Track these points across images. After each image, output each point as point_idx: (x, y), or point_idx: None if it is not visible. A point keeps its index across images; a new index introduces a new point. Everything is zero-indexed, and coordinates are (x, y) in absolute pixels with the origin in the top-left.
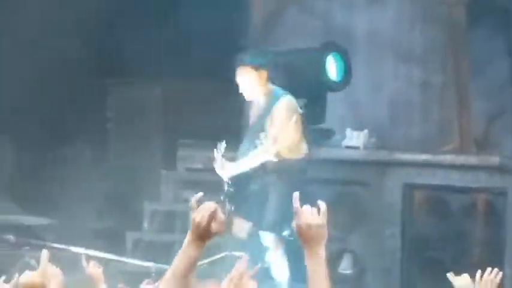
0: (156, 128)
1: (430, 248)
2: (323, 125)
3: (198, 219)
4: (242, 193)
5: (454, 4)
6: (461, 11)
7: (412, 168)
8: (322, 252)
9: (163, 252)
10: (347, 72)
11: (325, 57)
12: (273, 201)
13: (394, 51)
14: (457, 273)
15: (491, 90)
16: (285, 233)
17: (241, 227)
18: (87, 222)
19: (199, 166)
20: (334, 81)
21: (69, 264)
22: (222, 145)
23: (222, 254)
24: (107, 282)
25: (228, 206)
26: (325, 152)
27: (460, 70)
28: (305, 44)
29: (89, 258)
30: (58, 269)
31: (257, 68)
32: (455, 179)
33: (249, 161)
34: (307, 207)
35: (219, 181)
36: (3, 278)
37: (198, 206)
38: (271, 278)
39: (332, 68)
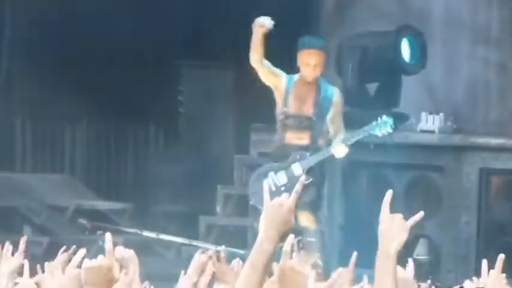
0: (229, 112)
1: (507, 234)
2: (398, 109)
3: (276, 214)
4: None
5: None
6: None
7: (488, 153)
8: (393, 252)
9: (236, 237)
10: (422, 55)
11: (400, 40)
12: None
13: (470, 33)
14: None
15: None
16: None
17: (308, 219)
18: (160, 206)
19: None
20: (409, 64)
21: (142, 249)
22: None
23: (296, 239)
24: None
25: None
26: (399, 136)
27: None
28: (380, 26)
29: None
30: (132, 252)
31: (325, 52)
32: None
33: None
34: (398, 215)
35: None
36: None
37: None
38: None
39: (407, 50)
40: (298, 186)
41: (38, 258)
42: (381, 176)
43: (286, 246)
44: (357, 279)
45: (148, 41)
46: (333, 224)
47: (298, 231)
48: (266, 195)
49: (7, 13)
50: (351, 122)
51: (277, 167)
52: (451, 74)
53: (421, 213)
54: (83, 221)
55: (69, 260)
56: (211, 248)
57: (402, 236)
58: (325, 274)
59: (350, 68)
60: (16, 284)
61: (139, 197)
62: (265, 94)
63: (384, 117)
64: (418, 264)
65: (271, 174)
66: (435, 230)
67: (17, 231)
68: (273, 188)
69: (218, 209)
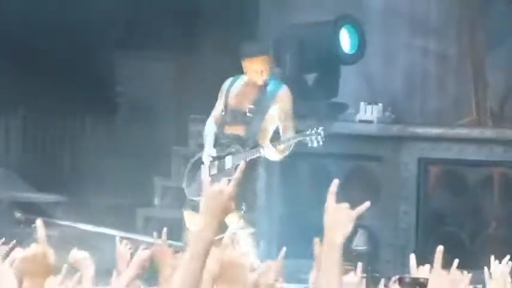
0: (167, 103)
1: (446, 223)
2: (336, 99)
3: (216, 201)
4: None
5: None
6: None
7: (427, 143)
8: (339, 242)
9: (175, 229)
10: (361, 45)
11: (339, 30)
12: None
13: (409, 23)
14: (473, 249)
15: (508, 62)
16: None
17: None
18: (97, 198)
19: None
20: (348, 54)
21: (78, 242)
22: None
23: (234, 231)
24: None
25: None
26: (338, 127)
27: (476, 42)
28: (319, 17)
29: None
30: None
31: (269, 54)
32: (471, 153)
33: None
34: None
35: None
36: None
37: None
38: None
39: (345, 41)
40: (237, 174)
41: None
42: (320, 166)
43: (226, 238)
44: (294, 271)
45: (86, 31)
46: (272, 215)
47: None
48: (206, 184)
49: None
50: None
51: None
52: (389, 64)
53: (367, 204)
54: (17, 214)
55: (8, 254)
56: (149, 241)
57: (348, 227)
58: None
59: (288, 59)
60: None
61: (76, 189)
62: (204, 85)
63: (320, 130)
64: (356, 255)
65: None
66: (374, 221)
67: None
68: (202, 177)
69: (156, 201)
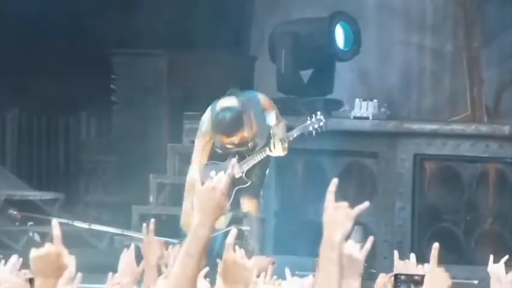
0: (161, 100)
1: (442, 219)
2: (331, 96)
3: (210, 198)
4: None
5: None
6: None
7: (422, 139)
8: (338, 241)
9: (170, 226)
10: (356, 41)
11: (334, 27)
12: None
13: (404, 19)
14: (469, 244)
15: (503, 58)
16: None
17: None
18: (92, 196)
19: None
20: (343, 51)
21: (74, 239)
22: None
23: (229, 228)
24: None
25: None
26: (333, 123)
27: (471, 38)
28: (314, 13)
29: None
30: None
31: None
32: (467, 149)
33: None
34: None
35: (226, 153)
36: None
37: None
38: None
39: (340, 37)
40: (230, 170)
41: None
42: (316, 162)
43: (229, 239)
44: (289, 267)
45: (80, 28)
46: (267, 211)
47: (239, 218)
48: (198, 182)
49: None
50: (285, 109)
51: (218, 166)
52: (384, 61)
53: (367, 203)
54: (13, 212)
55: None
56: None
57: (347, 225)
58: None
59: (283, 55)
60: None
61: (71, 186)
62: (198, 82)
63: (318, 115)
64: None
65: (213, 173)
66: (370, 217)
67: None
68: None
69: (151, 198)
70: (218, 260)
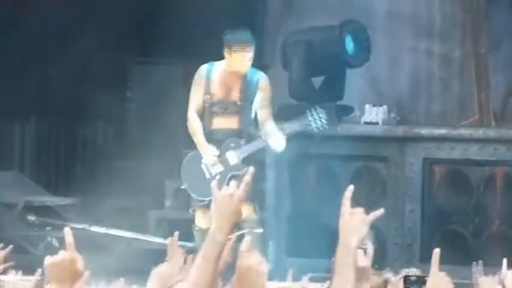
0: (177, 107)
1: (450, 222)
2: (342, 102)
3: (227, 205)
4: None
5: None
6: None
7: (431, 143)
8: (353, 246)
9: (186, 230)
10: (366, 48)
11: (344, 35)
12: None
13: (413, 27)
14: (477, 246)
15: (509, 64)
16: None
17: (248, 210)
18: (109, 201)
19: None
20: (353, 58)
21: (91, 244)
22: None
23: (243, 231)
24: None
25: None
26: (344, 129)
27: (479, 44)
28: (325, 21)
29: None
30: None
31: (254, 44)
32: (475, 153)
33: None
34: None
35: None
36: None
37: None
38: None
39: (351, 44)
40: (247, 177)
41: None
42: (327, 167)
43: (243, 246)
44: (302, 269)
45: (97, 38)
46: (281, 215)
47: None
48: (214, 188)
49: None
50: (297, 116)
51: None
52: (394, 67)
53: (382, 210)
54: (31, 218)
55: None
56: (161, 242)
57: (362, 231)
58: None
59: (295, 62)
60: None
61: (88, 192)
62: None
63: (318, 109)
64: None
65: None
66: (380, 219)
67: None
68: (207, 176)
69: (167, 203)
70: None
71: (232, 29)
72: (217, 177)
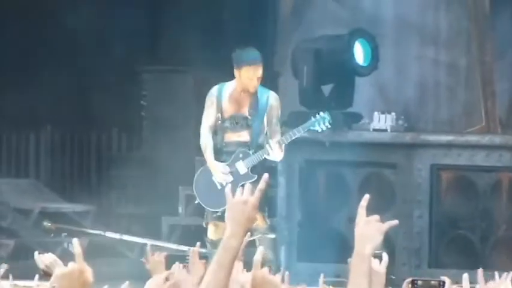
0: (190, 115)
1: (458, 227)
2: (351, 109)
3: (241, 211)
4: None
5: None
6: None
7: (439, 150)
8: (368, 253)
9: (198, 236)
10: (374, 57)
11: (353, 43)
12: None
13: (420, 35)
14: (484, 250)
15: None
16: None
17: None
18: (123, 208)
19: None
20: (362, 66)
21: (106, 249)
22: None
23: (256, 236)
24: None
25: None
26: (353, 136)
27: (485, 52)
28: (334, 30)
29: (153, 248)
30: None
31: (262, 62)
32: (481, 159)
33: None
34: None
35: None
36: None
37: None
38: None
39: (360, 53)
40: (261, 185)
41: (5, 259)
42: (337, 173)
43: (257, 255)
44: (313, 274)
45: (110, 47)
46: (291, 221)
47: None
48: (228, 194)
49: None
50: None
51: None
52: (402, 75)
53: (396, 221)
54: (47, 224)
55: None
56: (174, 248)
57: (377, 239)
58: (278, 268)
59: (305, 71)
60: None
61: (103, 199)
62: None
63: (321, 114)
64: (374, 258)
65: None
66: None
67: None
68: (219, 187)
69: (180, 209)
70: None
71: (240, 48)
72: (229, 186)
